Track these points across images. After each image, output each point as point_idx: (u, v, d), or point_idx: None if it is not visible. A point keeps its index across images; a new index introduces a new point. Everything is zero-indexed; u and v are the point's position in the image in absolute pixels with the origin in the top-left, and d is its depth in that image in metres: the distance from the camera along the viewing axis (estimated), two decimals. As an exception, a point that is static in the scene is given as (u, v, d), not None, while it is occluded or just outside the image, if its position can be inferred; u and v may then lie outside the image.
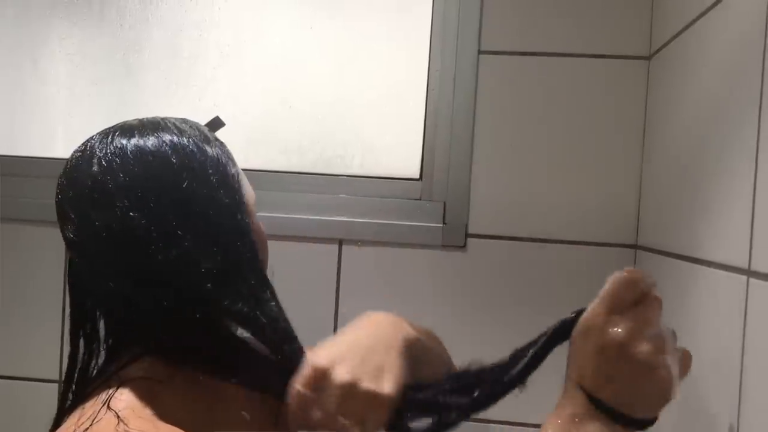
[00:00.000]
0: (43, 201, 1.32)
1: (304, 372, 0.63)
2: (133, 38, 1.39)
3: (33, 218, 1.34)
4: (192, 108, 1.37)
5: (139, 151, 0.63)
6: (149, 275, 0.61)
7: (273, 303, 0.66)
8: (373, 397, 0.61)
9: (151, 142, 0.64)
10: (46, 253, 1.33)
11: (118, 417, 0.56)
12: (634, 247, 1.24)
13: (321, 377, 0.62)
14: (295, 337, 0.67)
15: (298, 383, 0.62)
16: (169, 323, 0.62)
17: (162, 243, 0.60)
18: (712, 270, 0.87)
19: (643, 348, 0.59)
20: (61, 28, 1.41)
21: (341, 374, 0.62)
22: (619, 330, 0.59)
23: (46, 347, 1.34)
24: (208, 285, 0.61)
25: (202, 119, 0.77)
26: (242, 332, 0.65)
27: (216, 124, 0.77)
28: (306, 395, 0.62)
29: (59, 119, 1.41)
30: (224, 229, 0.64)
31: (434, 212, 1.28)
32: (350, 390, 0.61)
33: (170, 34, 1.38)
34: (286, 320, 0.67)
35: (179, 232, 0.61)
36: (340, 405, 0.61)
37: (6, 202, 1.35)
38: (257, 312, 0.64)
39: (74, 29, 1.40)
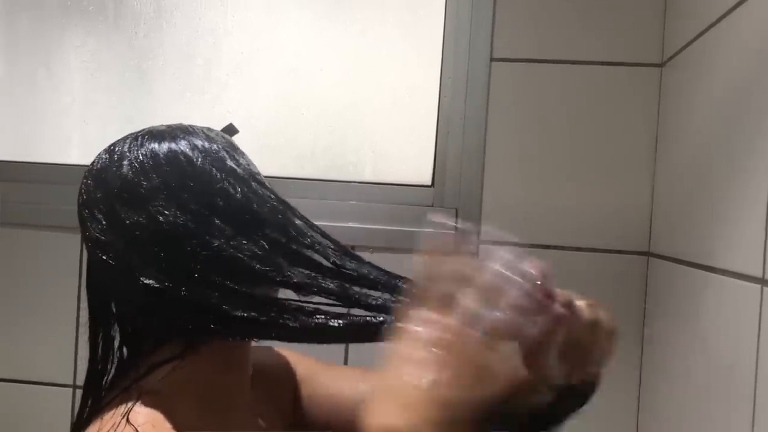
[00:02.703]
0: (60, 207, 1.34)
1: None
2: (148, 46, 1.40)
3: (50, 224, 1.35)
4: (206, 115, 1.38)
5: (172, 153, 0.64)
6: (188, 271, 0.61)
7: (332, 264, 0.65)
8: None
9: (183, 145, 0.65)
10: (64, 258, 1.34)
11: None
12: (647, 254, 1.23)
13: None
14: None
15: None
16: (208, 313, 0.62)
17: (204, 238, 0.61)
18: (726, 278, 0.87)
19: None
20: (75, 37, 1.42)
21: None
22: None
23: (61, 351, 1.36)
24: (247, 277, 0.62)
25: (216, 126, 0.77)
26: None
27: (230, 131, 0.77)
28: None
29: (74, 126, 1.42)
30: (265, 222, 0.65)
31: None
32: None
33: (184, 41, 1.39)
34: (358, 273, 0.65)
35: (217, 229, 0.62)
36: None
37: (22, 208, 1.37)
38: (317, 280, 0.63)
39: (89, 37, 1.42)
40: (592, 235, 1.25)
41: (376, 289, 0.64)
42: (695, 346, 0.96)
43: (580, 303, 0.57)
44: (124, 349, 0.68)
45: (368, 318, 0.62)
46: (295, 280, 0.62)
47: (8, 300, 1.38)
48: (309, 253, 0.64)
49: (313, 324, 0.61)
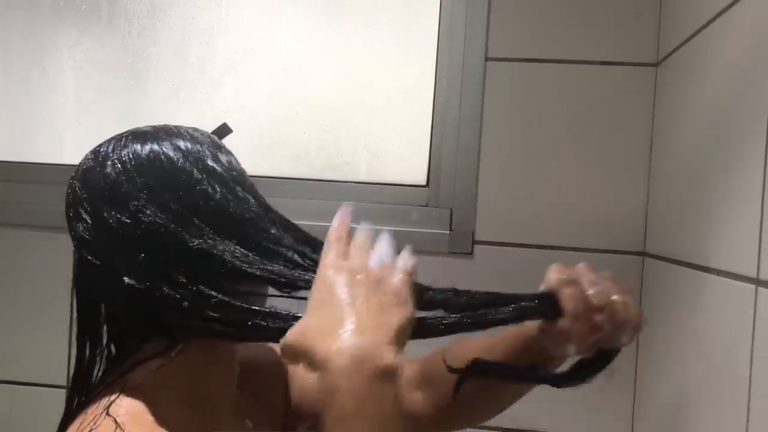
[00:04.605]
0: (53, 207, 1.33)
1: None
2: (141, 45, 1.40)
3: (42, 224, 1.34)
4: (199, 114, 1.37)
5: (154, 154, 0.64)
6: (167, 270, 0.61)
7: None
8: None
9: (165, 146, 0.65)
10: (57, 259, 1.34)
11: (116, 423, 0.57)
12: (642, 254, 1.23)
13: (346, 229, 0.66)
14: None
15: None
16: (187, 313, 0.62)
17: (182, 238, 0.61)
18: (720, 279, 0.87)
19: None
20: (69, 36, 1.42)
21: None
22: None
23: (55, 353, 1.35)
24: (226, 274, 0.62)
25: (210, 125, 0.77)
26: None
27: (223, 130, 0.77)
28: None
29: (68, 126, 1.42)
30: (242, 222, 0.65)
31: (441, 219, 1.28)
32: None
33: (178, 40, 1.39)
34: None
35: (196, 229, 0.62)
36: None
37: (16, 208, 1.36)
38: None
39: (82, 37, 1.41)
40: (588, 235, 1.25)
41: None
42: (690, 345, 0.96)
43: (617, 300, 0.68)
44: (112, 347, 0.68)
45: None
46: (272, 277, 0.63)
47: (0, 300, 1.37)
48: (289, 253, 0.66)
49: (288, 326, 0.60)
